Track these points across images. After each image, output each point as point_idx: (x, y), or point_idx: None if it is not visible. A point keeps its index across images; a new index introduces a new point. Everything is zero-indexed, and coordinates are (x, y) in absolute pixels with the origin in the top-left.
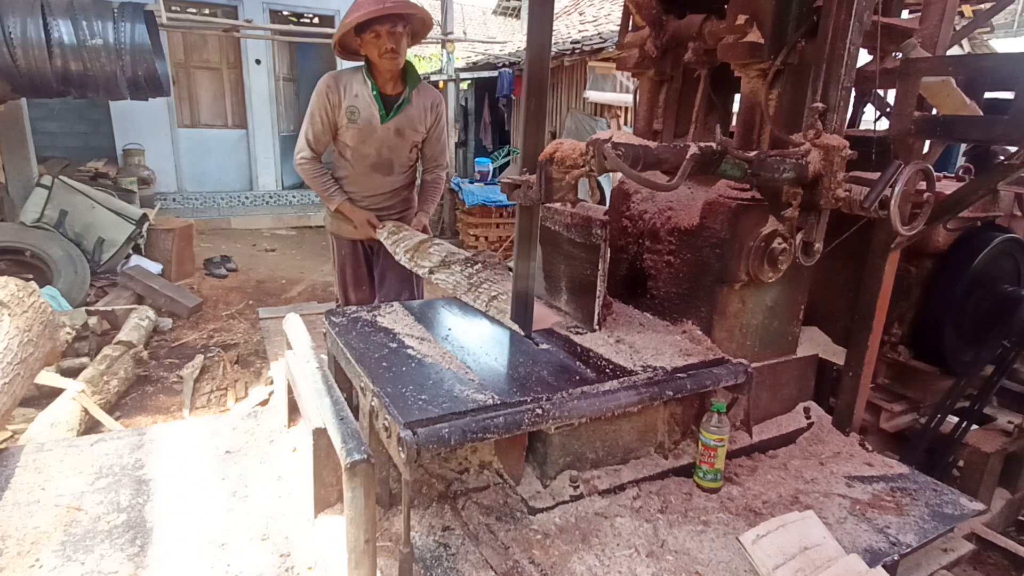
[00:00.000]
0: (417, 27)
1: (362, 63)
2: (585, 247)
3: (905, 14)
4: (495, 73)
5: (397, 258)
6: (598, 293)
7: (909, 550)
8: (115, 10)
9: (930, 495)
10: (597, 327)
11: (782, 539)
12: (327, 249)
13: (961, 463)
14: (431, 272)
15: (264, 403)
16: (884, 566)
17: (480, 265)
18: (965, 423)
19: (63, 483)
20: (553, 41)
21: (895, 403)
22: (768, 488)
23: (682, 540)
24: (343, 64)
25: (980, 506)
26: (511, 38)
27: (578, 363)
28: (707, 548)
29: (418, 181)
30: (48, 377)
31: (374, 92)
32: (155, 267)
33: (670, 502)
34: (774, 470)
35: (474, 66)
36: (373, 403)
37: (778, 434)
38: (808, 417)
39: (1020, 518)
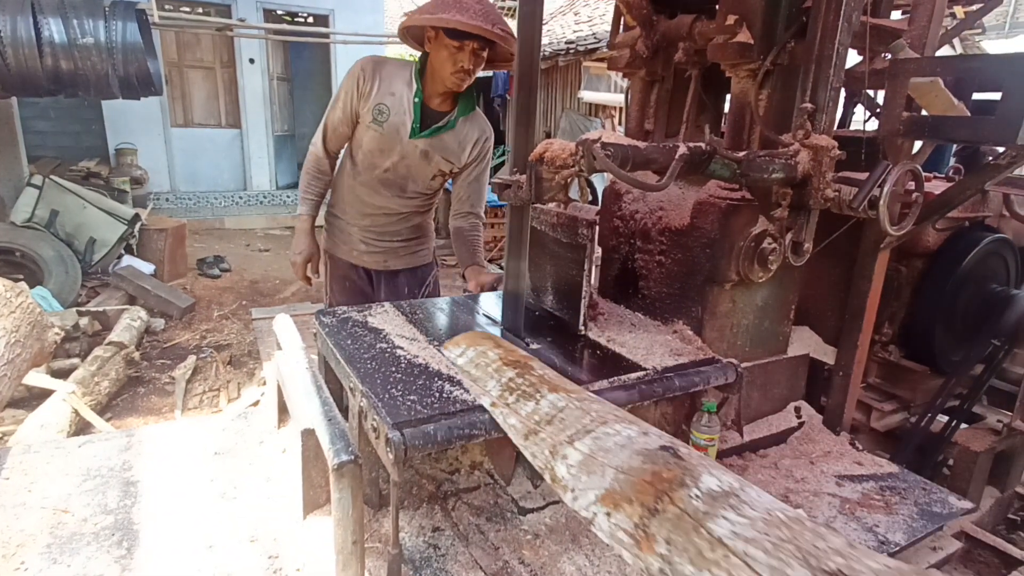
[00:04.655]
0: (499, 55)
1: (414, 61)
2: (571, 247)
3: (896, 15)
4: (490, 73)
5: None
6: (584, 294)
7: (898, 549)
8: (106, 9)
9: (919, 494)
10: (583, 328)
11: None
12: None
13: (951, 462)
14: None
15: (256, 404)
16: None
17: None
18: (955, 422)
19: (50, 485)
20: (548, 41)
21: (885, 402)
22: (758, 487)
23: None
24: (337, 61)
25: (969, 504)
26: None
27: (569, 364)
28: None
29: (432, 217)
30: (38, 378)
31: (416, 99)
32: (147, 267)
33: None
34: (764, 469)
35: None
36: (362, 403)
37: (769, 433)
38: (799, 416)
39: (1009, 516)
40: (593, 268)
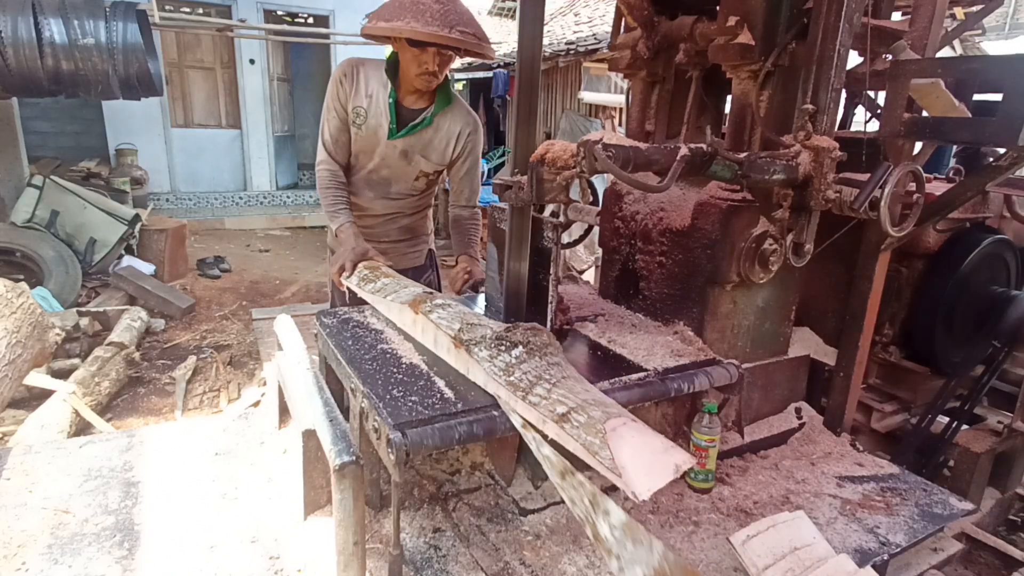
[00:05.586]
0: (469, 47)
1: (385, 58)
2: (537, 250)
3: (897, 16)
4: (490, 74)
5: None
6: (550, 299)
7: (899, 550)
8: (107, 9)
9: (920, 495)
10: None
11: (772, 539)
12: (321, 249)
13: (951, 463)
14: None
15: (257, 404)
16: (874, 566)
17: (522, 348)
18: (955, 423)
19: (51, 486)
20: (548, 42)
21: (886, 403)
22: (759, 488)
23: (673, 541)
24: (337, 61)
25: (970, 506)
26: (506, 39)
27: (570, 365)
28: (697, 548)
29: (430, 211)
30: (38, 378)
31: (390, 99)
32: (148, 268)
33: (661, 502)
34: (765, 470)
35: (469, 66)
36: (363, 404)
37: (769, 434)
38: (799, 417)
39: (1010, 517)
40: (560, 271)
